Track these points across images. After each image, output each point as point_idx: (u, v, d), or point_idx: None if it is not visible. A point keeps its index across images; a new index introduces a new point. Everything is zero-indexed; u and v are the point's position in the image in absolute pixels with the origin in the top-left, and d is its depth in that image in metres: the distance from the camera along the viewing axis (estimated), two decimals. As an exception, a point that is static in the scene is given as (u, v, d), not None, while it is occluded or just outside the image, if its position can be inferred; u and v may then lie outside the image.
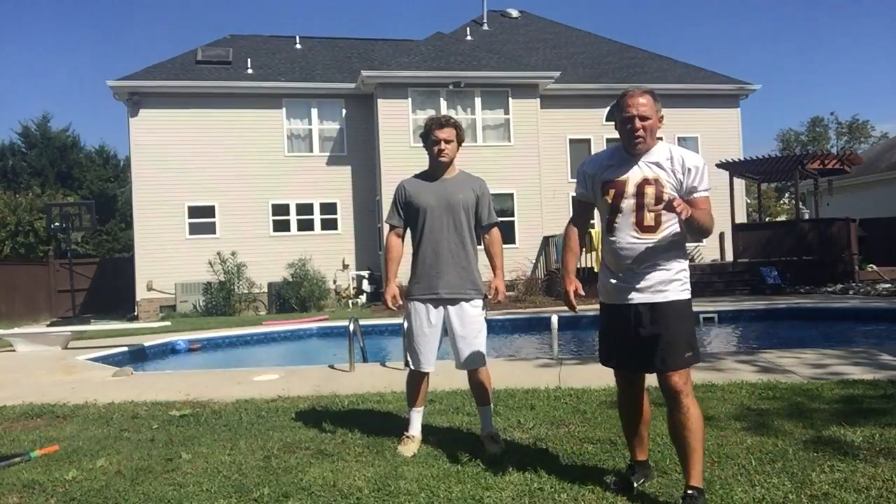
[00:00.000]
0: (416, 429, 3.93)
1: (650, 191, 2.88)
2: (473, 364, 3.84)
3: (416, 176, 4.00)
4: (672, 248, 2.92)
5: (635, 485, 3.04)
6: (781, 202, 43.07)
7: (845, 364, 5.87)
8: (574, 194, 3.24)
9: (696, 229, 2.88)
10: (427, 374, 3.91)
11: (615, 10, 77.91)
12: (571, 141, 19.71)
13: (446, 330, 3.86)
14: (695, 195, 2.89)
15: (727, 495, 2.92)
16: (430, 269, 3.82)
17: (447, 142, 3.83)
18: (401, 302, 3.94)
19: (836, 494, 2.89)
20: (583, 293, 3.11)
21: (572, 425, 4.17)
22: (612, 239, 2.98)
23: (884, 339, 8.78)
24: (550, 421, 4.30)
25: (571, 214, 3.36)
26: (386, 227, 4.08)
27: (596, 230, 16.73)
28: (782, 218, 36.91)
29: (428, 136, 3.88)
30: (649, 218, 2.90)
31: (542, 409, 4.62)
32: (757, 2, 79.43)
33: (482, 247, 4.00)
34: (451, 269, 3.81)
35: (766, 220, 29.05)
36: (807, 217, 21.40)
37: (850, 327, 10.37)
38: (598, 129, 19.59)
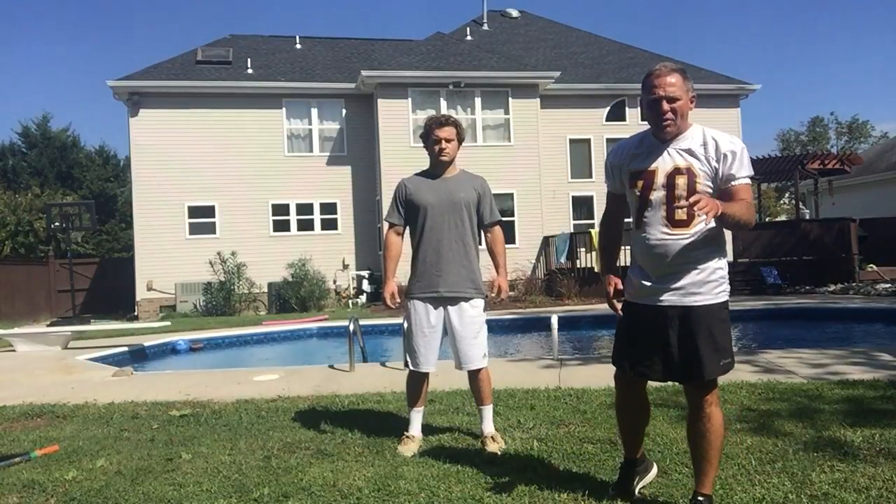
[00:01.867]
0: (416, 429, 3.92)
1: (682, 182, 2.63)
2: (473, 364, 3.83)
3: (417, 174, 3.97)
4: (707, 245, 2.66)
5: (635, 486, 2.98)
6: (781, 202, 43.10)
7: (845, 364, 5.87)
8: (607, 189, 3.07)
9: (732, 225, 2.59)
10: (427, 374, 3.89)
11: (615, 10, 77.98)
12: (571, 141, 19.70)
13: (446, 330, 3.84)
14: (732, 183, 2.63)
15: (727, 495, 2.92)
16: (430, 267, 3.79)
17: (447, 141, 3.80)
18: (399, 300, 3.93)
19: (836, 494, 2.89)
20: (620, 287, 2.87)
21: (572, 425, 4.17)
22: (643, 235, 2.73)
23: (884, 339, 8.78)
24: (550, 421, 4.30)
25: (604, 209, 3.13)
26: (385, 225, 4.05)
27: (596, 230, 16.74)
28: (782, 218, 36.93)
29: (428, 135, 3.85)
30: (681, 212, 2.64)
31: (542, 409, 4.62)
32: (757, 1, 79.48)
33: (483, 246, 3.98)
34: (451, 268, 3.78)
35: (766, 220, 29.06)
36: (807, 217, 21.40)
37: (851, 327, 10.37)
38: (598, 129, 19.59)
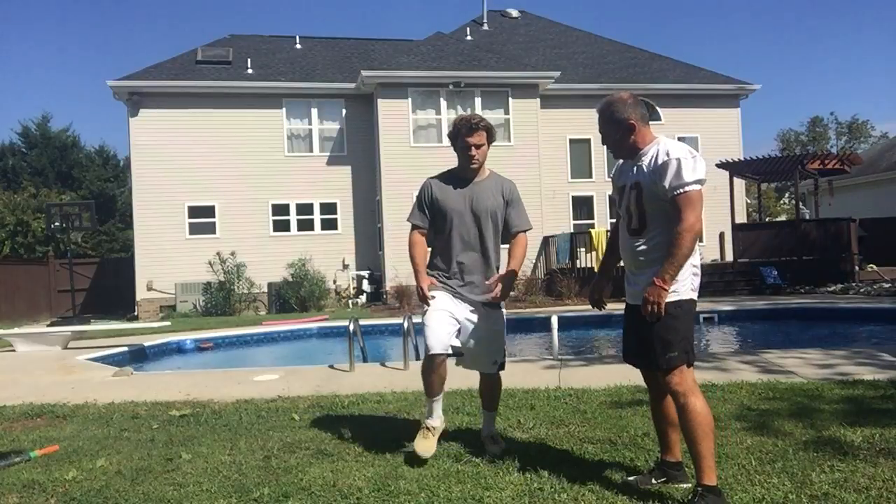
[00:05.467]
0: (438, 416, 3.63)
1: (634, 194, 2.94)
2: (488, 368, 3.72)
3: (444, 175, 3.76)
4: (660, 250, 2.87)
5: (654, 480, 3.06)
6: (781, 202, 43.09)
7: (846, 364, 5.87)
8: None
9: (680, 264, 2.78)
10: (442, 360, 3.54)
11: (615, 10, 77.99)
12: (571, 141, 19.71)
13: (459, 330, 3.64)
14: (673, 196, 2.79)
15: (727, 495, 2.91)
16: (454, 275, 3.66)
17: (478, 147, 3.60)
18: (439, 285, 3.66)
19: (836, 494, 2.89)
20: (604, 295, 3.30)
21: (572, 425, 4.16)
22: (620, 241, 3.10)
23: (884, 339, 8.78)
24: (550, 421, 4.30)
25: None
26: (408, 225, 3.83)
27: (596, 230, 16.75)
28: (782, 218, 36.91)
29: (457, 137, 3.64)
30: (634, 221, 2.95)
31: (542, 409, 4.62)
32: (757, 1, 79.49)
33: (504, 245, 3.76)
34: (476, 278, 3.64)
35: (766, 220, 29.05)
36: (807, 217, 21.40)
37: (851, 327, 10.36)
38: (598, 130, 19.55)
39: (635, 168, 2.96)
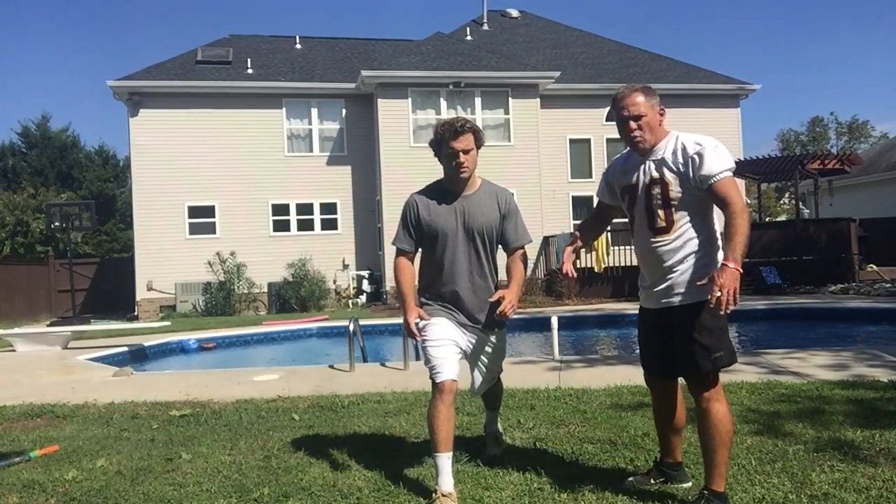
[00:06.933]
0: (448, 482, 3.00)
1: (657, 191, 2.81)
2: (489, 384, 3.52)
3: (430, 189, 3.35)
4: (689, 248, 2.79)
5: (652, 481, 3.06)
6: (781, 202, 43.07)
7: (847, 364, 5.88)
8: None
9: (746, 246, 2.64)
10: (451, 391, 3.07)
11: (615, 10, 78.00)
12: (571, 141, 19.71)
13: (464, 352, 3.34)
14: (711, 183, 2.71)
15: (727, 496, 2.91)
16: (447, 298, 3.30)
17: (466, 152, 3.18)
18: (437, 308, 3.31)
19: (836, 494, 2.89)
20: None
21: (572, 425, 4.16)
22: (635, 243, 2.97)
23: (884, 340, 8.77)
24: (550, 421, 4.30)
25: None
26: (393, 249, 3.44)
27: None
28: (782, 218, 36.91)
29: (440, 145, 3.21)
30: (660, 219, 2.82)
31: (542, 409, 4.62)
32: (757, 1, 79.50)
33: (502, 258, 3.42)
34: (472, 304, 3.30)
35: (766, 220, 29.05)
36: (807, 217, 21.40)
37: (851, 327, 10.37)
38: (598, 129, 19.59)
39: (650, 164, 2.83)
